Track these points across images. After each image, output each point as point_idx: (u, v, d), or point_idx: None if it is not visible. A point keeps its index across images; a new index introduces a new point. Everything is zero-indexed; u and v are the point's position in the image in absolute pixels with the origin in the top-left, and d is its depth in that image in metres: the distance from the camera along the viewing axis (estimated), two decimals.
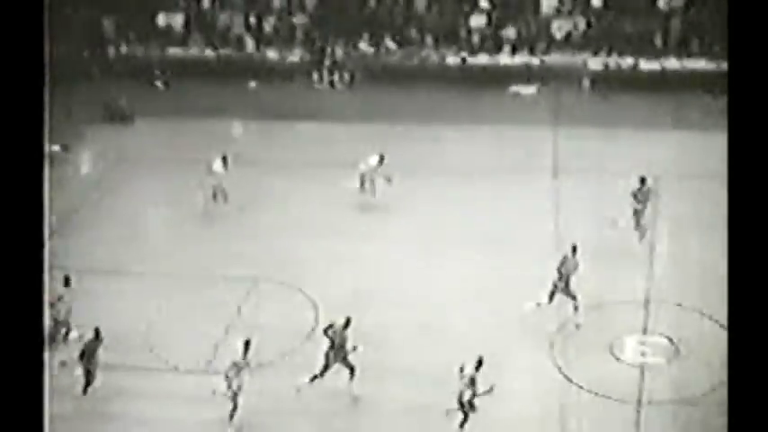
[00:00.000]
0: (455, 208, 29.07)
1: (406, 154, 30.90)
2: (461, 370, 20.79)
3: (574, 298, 24.24)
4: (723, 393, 21.60)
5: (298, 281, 26.15)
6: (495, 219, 28.46)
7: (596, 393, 20.98)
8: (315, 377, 22.18)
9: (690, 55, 35.95)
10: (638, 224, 26.85)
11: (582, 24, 36.78)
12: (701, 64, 35.55)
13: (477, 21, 37.05)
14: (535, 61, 36.52)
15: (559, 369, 23.13)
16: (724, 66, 34.65)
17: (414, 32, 37.22)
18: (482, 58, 36.76)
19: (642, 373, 22.95)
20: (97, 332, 22.35)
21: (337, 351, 22.13)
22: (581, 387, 22.51)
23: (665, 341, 23.79)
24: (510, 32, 36.83)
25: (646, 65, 35.90)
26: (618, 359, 23.46)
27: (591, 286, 24.77)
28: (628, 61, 35.97)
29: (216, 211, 28.84)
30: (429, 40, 37.12)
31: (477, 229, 28.06)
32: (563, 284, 24.08)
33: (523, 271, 25.59)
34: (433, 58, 36.83)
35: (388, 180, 28.40)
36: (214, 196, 28.81)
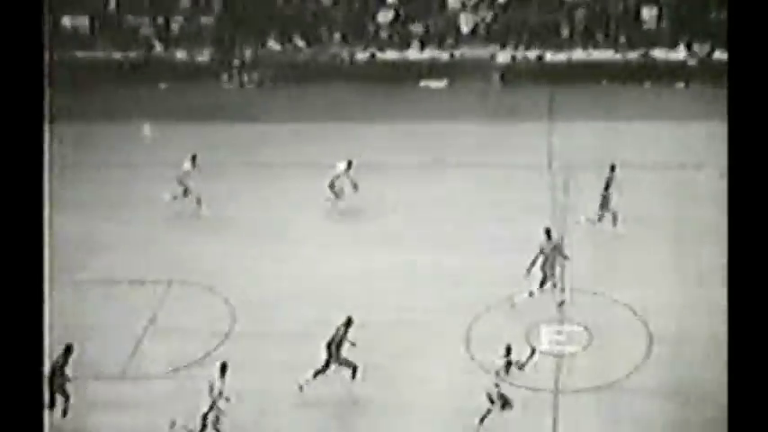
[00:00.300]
0: (368, 204, 29.22)
1: (318, 151, 30.98)
2: None
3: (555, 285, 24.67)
4: (638, 379, 22.29)
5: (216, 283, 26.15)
6: (411, 215, 28.68)
7: (512, 383, 21.11)
8: (317, 373, 22.05)
9: (596, 46, 36.53)
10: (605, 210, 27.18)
11: (489, 18, 37.12)
12: (607, 54, 36.15)
13: (385, 16, 37.20)
14: (444, 56, 36.78)
15: (472, 357, 23.35)
16: (630, 55, 35.80)
17: (322, 30, 37.25)
18: (391, 54, 36.93)
19: (558, 361, 23.24)
20: (68, 348, 21.32)
21: (336, 349, 22.03)
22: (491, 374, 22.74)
23: (581, 329, 24.11)
24: (418, 27, 37.04)
25: (552, 56, 36.38)
26: (534, 348, 23.73)
27: (506, 275, 25.14)
28: (534, 53, 36.42)
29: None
30: (337, 37, 37.19)
31: (390, 227, 28.25)
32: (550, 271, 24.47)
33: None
34: (342, 55, 36.90)
35: (355, 186, 28.42)
36: (185, 193, 28.67)
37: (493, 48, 36.65)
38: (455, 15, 37.32)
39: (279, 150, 32.08)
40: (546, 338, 23.89)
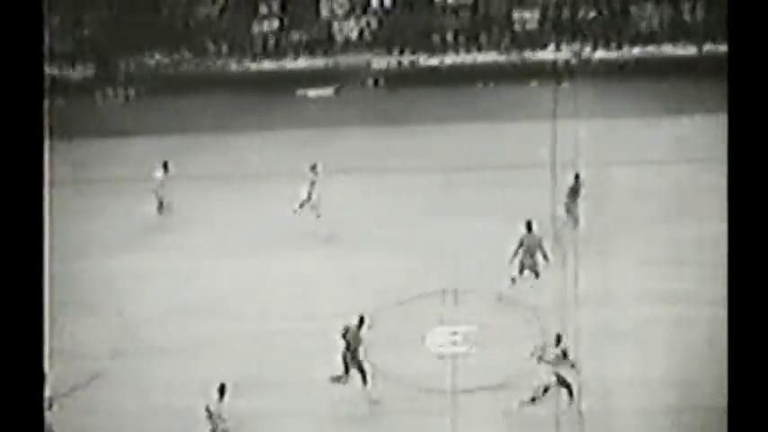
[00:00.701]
0: (244, 214, 29.16)
1: (197, 163, 30.77)
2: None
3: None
4: (526, 379, 22.56)
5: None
6: (296, 221, 28.68)
7: (408, 386, 21.28)
8: (338, 378, 22.04)
9: (471, 49, 36.96)
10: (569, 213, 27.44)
11: (365, 25, 37.27)
12: (482, 57, 36.62)
13: (265, 26, 37.05)
14: (322, 63, 36.82)
15: (371, 362, 23.44)
16: (512, 57, 36.29)
17: (203, 41, 36.93)
18: (271, 63, 36.81)
19: (453, 361, 23.44)
20: None
21: (353, 354, 21.98)
22: (387, 378, 22.89)
23: (474, 329, 24.34)
24: (296, 36, 37.00)
25: (427, 60, 36.68)
26: (428, 350, 23.93)
27: (400, 279, 25.35)
28: (411, 58, 36.71)
29: None
30: (219, 47, 36.91)
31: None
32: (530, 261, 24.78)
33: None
34: (224, 65, 36.64)
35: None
36: (160, 205, 28.59)
37: (371, 54, 36.82)
38: (332, 23, 37.38)
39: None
40: (440, 339, 24.09)
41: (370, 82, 36.53)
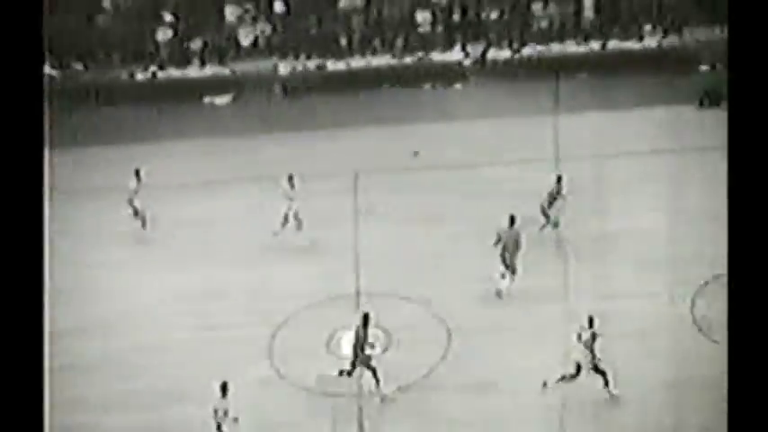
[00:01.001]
0: (157, 224, 28.99)
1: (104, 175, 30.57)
2: None
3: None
4: (436, 379, 22.74)
5: None
6: (202, 233, 28.54)
7: (315, 391, 21.30)
8: (341, 372, 22.31)
9: (374, 52, 37.06)
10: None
11: (268, 30, 37.18)
12: (385, 60, 36.75)
13: (164, 34, 36.76)
14: (225, 71, 36.63)
15: (278, 372, 23.41)
16: (406, 60, 36.44)
17: (100, 51, 36.52)
18: (172, 72, 36.52)
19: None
20: None
21: (361, 350, 22.12)
22: (296, 385, 22.89)
23: (380, 332, 24.42)
24: (197, 44, 36.77)
25: (333, 65, 36.72)
26: (335, 354, 23.95)
27: (311, 283, 25.38)
28: (315, 63, 36.70)
29: None
30: (116, 57, 36.53)
31: (182, 247, 28.06)
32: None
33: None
34: (123, 75, 36.26)
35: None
36: (135, 214, 28.14)
37: (274, 60, 36.73)
38: (233, 29, 37.20)
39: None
40: (347, 344, 24.13)
41: (277, 88, 36.44)
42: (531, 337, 24.12)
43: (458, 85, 36.33)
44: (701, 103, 34.51)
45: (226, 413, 20.82)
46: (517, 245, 25.20)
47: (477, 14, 37.44)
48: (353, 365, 22.29)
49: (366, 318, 22.33)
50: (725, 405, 13.93)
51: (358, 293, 25.49)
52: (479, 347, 23.81)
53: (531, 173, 29.88)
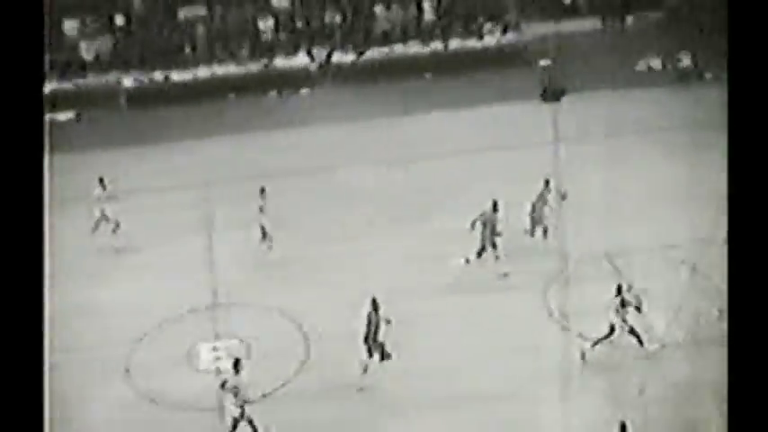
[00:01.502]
0: None
1: None
2: None
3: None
4: (294, 387, 22.71)
5: None
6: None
7: (176, 407, 21.09)
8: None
9: (219, 61, 36.94)
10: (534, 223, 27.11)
11: (109, 44, 36.72)
12: (230, 68, 36.68)
13: None
14: (69, 86, 36.04)
15: (135, 388, 23.20)
16: (252, 67, 36.40)
17: None
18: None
19: (220, 378, 23.26)
20: None
21: (374, 338, 22.06)
22: (155, 402, 22.70)
23: (237, 343, 24.34)
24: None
25: (178, 76, 36.46)
26: (195, 368, 23.80)
27: (166, 297, 25.19)
28: (160, 74, 36.37)
29: None
30: None
31: None
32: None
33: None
34: None
35: None
36: (97, 223, 27.54)
37: (118, 73, 36.28)
38: (75, 43, 36.63)
39: None
40: (205, 357, 24.03)
41: (122, 101, 36.04)
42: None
43: (305, 91, 36.45)
44: (544, 98, 35.33)
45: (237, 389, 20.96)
46: (494, 229, 25.60)
47: (321, 19, 37.67)
48: (370, 353, 22.36)
49: (374, 302, 22.33)
50: None
51: (214, 305, 25.36)
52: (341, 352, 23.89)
53: (386, 175, 30.30)
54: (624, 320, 22.66)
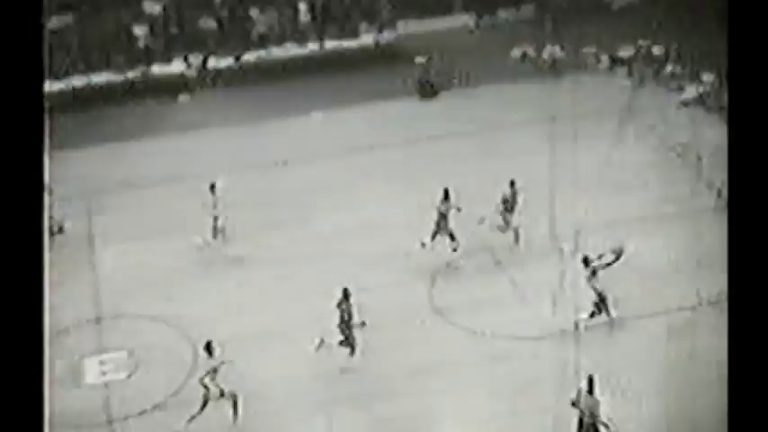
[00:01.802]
0: None
1: None
2: None
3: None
4: (187, 396, 22.47)
5: None
6: None
7: (60, 424, 20.76)
8: (341, 342, 22.56)
9: (93, 69, 36.49)
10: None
11: None
12: (105, 77, 36.27)
13: None
14: None
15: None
16: (129, 74, 35.92)
17: None
18: None
19: (107, 391, 23.03)
20: None
21: (346, 324, 22.36)
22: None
23: (124, 355, 24.05)
24: None
25: (51, 86, 35.74)
26: (80, 384, 23.42)
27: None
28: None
29: None
30: None
31: None
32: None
33: None
34: None
35: None
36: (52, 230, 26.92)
37: None
38: None
39: None
40: (91, 370, 23.66)
41: None
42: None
43: (183, 97, 36.17)
44: (421, 95, 35.64)
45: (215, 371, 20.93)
46: (445, 218, 25.81)
47: (195, 24, 37.42)
48: (347, 338, 22.54)
49: (346, 293, 22.40)
50: None
51: (99, 318, 25.06)
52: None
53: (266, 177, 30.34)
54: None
